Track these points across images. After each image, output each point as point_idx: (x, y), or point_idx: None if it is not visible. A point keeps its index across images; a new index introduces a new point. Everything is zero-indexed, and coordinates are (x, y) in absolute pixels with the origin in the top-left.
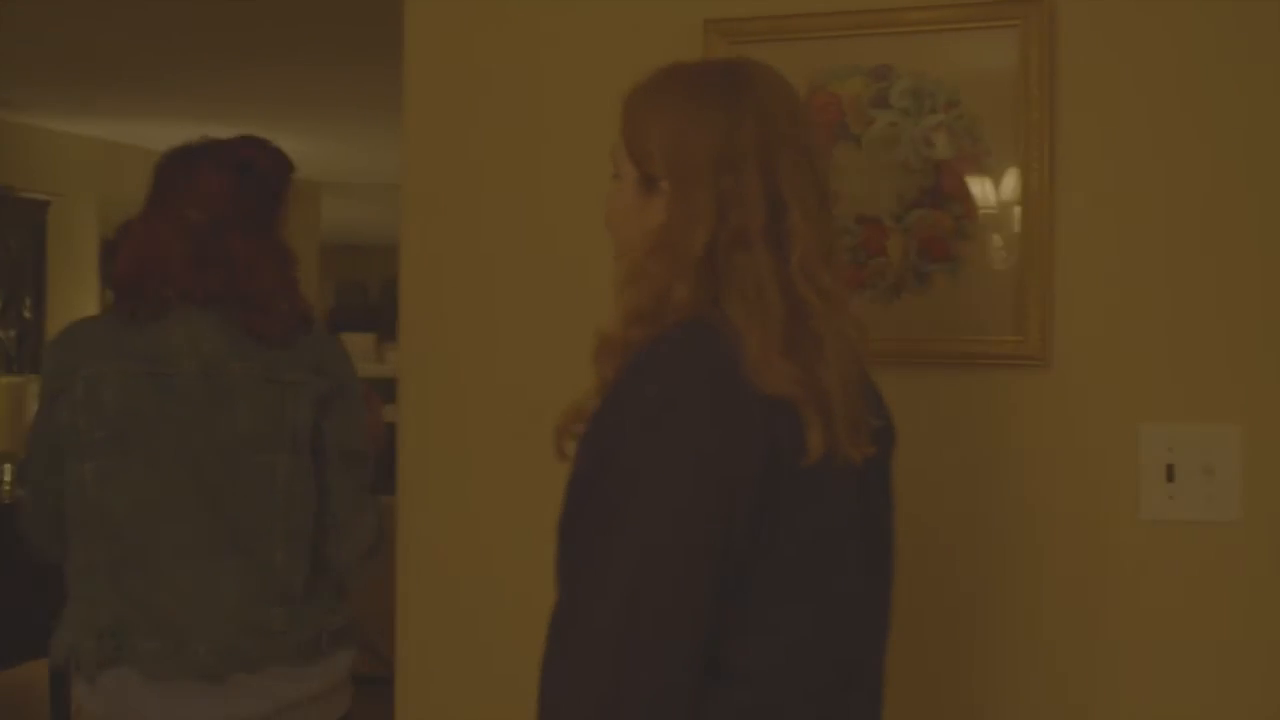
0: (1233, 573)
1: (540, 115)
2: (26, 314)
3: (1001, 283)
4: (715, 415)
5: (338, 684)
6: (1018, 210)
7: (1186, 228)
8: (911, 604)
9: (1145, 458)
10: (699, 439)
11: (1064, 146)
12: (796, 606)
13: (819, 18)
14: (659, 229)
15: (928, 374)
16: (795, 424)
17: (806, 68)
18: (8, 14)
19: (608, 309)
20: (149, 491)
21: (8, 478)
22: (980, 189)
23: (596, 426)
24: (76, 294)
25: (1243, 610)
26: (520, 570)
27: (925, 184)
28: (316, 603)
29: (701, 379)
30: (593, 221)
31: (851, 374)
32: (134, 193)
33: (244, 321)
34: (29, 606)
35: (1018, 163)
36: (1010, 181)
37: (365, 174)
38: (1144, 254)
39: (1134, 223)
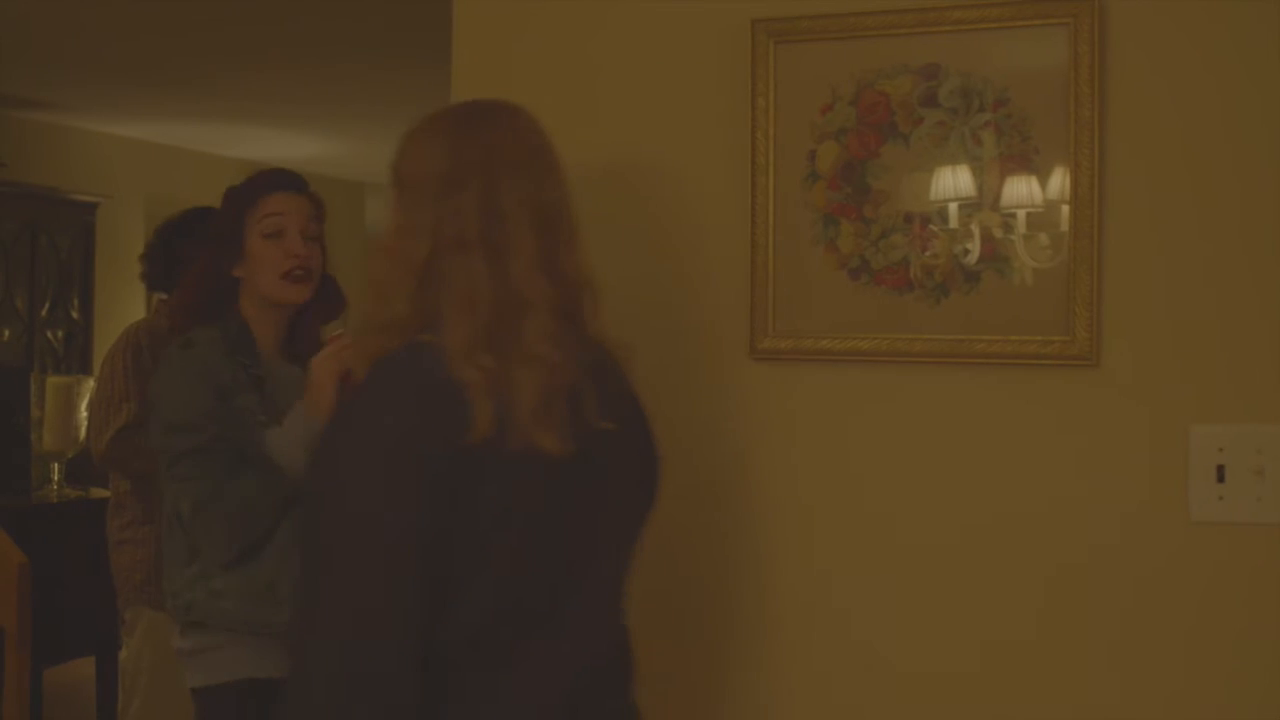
0: None
1: (587, 115)
2: (74, 314)
3: (1050, 282)
4: (404, 404)
5: (197, 650)
6: (1066, 209)
7: (1238, 227)
8: (957, 604)
9: (1195, 458)
10: (388, 428)
11: (1114, 145)
12: (490, 580)
13: (866, 17)
14: (387, 237)
15: (975, 374)
16: (467, 405)
17: (854, 67)
18: (53, 18)
19: (643, 307)
20: None
21: (57, 476)
22: (1029, 187)
23: (322, 440)
24: (124, 295)
25: None
26: None
27: (973, 183)
28: (186, 579)
29: (398, 378)
30: (640, 221)
31: (561, 373)
32: (181, 194)
33: None
34: (75, 604)
35: (1067, 161)
36: (1059, 180)
37: None
38: (1194, 253)
39: (1184, 222)
